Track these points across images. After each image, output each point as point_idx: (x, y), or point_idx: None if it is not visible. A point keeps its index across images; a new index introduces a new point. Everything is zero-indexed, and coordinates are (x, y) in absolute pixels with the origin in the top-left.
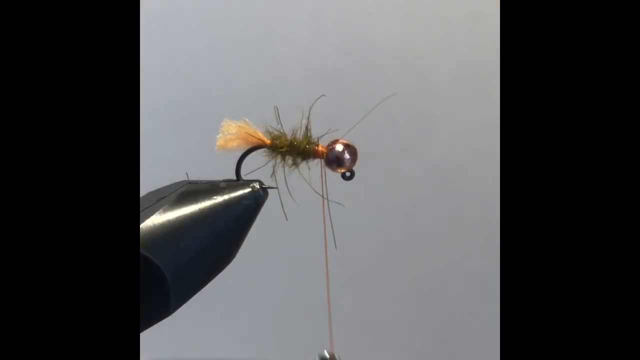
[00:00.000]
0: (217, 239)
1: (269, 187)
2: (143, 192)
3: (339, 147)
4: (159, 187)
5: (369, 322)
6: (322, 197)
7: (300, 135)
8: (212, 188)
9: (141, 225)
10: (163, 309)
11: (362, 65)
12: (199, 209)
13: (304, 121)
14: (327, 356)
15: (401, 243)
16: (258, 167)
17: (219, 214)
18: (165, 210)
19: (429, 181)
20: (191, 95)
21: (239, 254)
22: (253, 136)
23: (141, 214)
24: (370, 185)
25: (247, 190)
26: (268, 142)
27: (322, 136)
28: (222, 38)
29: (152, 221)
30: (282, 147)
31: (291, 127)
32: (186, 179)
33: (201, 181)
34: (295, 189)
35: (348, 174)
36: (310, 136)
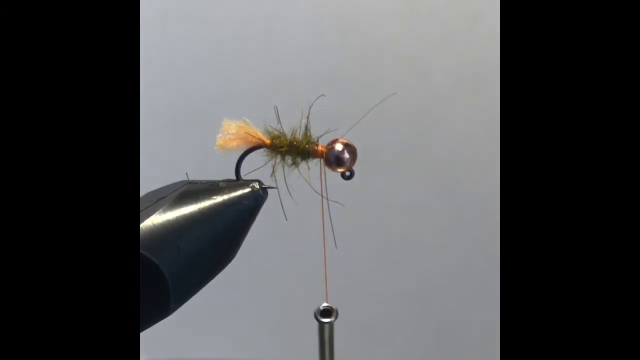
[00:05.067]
0: (217, 238)
1: (268, 187)
2: (143, 192)
3: (338, 147)
4: (159, 187)
5: (369, 321)
6: (322, 197)
7: (299, 135)
8: (211, 188)
9: (141, 225)
10: (163, 309)
11: (362, 64)
12: (199, 208)
13: (304, 121)
14: (325, 308)
15: (401, 243)
16: (258, 167)
17: (218, 213)
18: (165, 210)
19: (429, 181)
20: (191, 95)
21: (239, 254)
22: (253, 136)
23: (141, 214)
24: (370, 185)
25: (247, 190)
26: (268, 141)
27: (321, 136)
28: (222, 38)
29: (151, 221)
30: (281, 147)
31: (291, 126)
32: (186, 179)
33: (201, 181)
34: (295, 188)
35: (348, 173)
36: (309, 136)
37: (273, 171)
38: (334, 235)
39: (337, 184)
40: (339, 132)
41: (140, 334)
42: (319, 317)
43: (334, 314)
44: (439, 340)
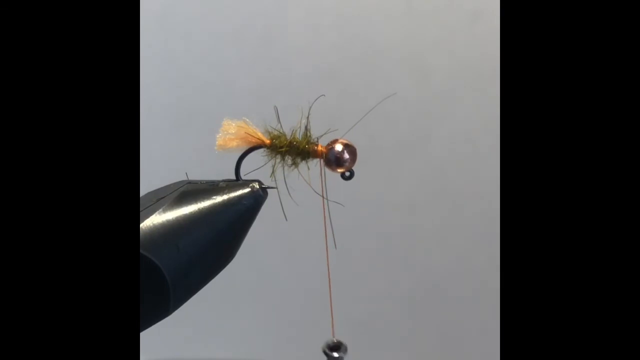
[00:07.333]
0: (217, 238)
1: (268, 187)
2: (143, 192)
3: (338, 147)
4: (158, 187)
5: (369, 321)
6: (322, 197)
7: (299, 135)
8: (211, 188)
9: (141, 225)
10: (163, 309)
11: (362, 64)
12: (199, 209)
13: (304, 121)
14: (334, 343)
15: (401, 243)
16: (258, 167)
17: (218, 213)
18: (164, 210)
19: (429, 181)
20: (191, 95)
21: (239, 254)
22: (253, 136)
23: (141, 214)
24: (370, 185)
25: (247, 190)
26: (267, 142)
27: (321, 136)
28: (222, 38)
29: (151, 221)
30: (281, 147)
31: (291, 127)
32: (186, 179)
33: (201, 181)
34: (295, 189)
35: (347, 173)
36: (309, 136)
37: (273, 171)
38: (333, 235)
39: (337, 184)
40: (339, 132)
41: (140, 334)
42: (327, 351)
43: (343, 349)
44: (439, 340)
